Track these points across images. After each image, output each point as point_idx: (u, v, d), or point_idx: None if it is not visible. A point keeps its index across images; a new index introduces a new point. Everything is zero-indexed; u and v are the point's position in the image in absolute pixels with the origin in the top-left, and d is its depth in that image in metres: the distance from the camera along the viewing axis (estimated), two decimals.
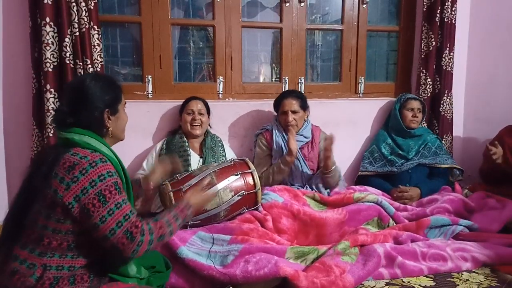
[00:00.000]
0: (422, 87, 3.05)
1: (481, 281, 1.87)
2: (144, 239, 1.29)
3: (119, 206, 1.28)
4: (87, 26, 2.29)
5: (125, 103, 1.53)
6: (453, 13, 3.00)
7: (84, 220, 1.26)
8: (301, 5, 2.94)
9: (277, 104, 2.65)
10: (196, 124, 2.47)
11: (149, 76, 2.71)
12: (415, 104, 2.86)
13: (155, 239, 1.33)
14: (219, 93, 2.85)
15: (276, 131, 2.62)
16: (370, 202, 2.34)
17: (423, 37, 3.02)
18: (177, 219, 1.45)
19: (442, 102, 3.06)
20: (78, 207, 1.25)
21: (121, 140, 1.55)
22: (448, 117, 3.10)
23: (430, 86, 3.05)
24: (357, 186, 2.71)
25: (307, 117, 2.67)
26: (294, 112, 2.56)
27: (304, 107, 2.62)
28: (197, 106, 2.50)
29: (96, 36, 2.35)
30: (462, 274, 1.94)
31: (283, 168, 2.48)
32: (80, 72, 2.30)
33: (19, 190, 1.37)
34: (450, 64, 3.06)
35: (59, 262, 1.27)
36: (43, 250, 1.26)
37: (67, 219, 1.26)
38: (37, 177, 1.31)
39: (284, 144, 2.58)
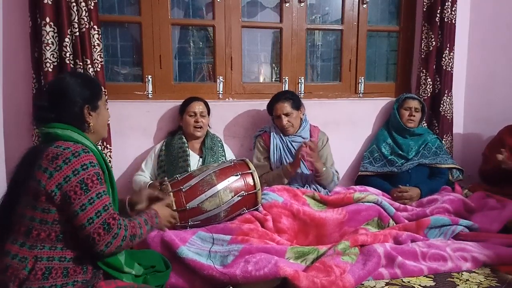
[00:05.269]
0: (422, 87, 3.05)
1: (481, 281, 1.87)
2: (120, 233, 1.32)
3: (100, 196, 1.31)
4: (87, 26, 2.29)
5: (106, 100, 1.55)
6: (453, 13, 2.99)
7: (65, 207, 1.29)
8: (301, 5, 2.94)
9: (270, 109, 2.65)
10: (199, 126, 2.47)
11: (149, 76, 2.70)
12: (413, 104, 2.87)
13: (128, 237, 1.35)
14: (219, 93, 2.85)
15: (274, 133, 2.62)
16: (370, 202, 2.34)
17: (423, 37, 3.02)
18: (147, 224, 1.47)
19: (442, 102, 3.06)
20: (60, 195, 1.28)
21: (103, 137, 1.62)
22: (448, 117, 3.10)
23: (430, 86, 3.05)
24: (357, 186, 2.71)
25: (303, 115, 2.66)
26: (287, 114, 2.56)
27: (297, 106, 2.60)
28: (199, 108, 2.50)
29: (96, 36, 2.35)
30: (462, 274, 1.94)
31: (283, 177, 2.49)
32: None
33: (7, 189, 1.40)
34: (450, 64, 3.06)
35: (50, 253, 1.30)
36: (33, 243, 1.29)
37: (52, 208, 1.29)
38: (21, 172, 1.35)
39: (282, 146, 2.59)
